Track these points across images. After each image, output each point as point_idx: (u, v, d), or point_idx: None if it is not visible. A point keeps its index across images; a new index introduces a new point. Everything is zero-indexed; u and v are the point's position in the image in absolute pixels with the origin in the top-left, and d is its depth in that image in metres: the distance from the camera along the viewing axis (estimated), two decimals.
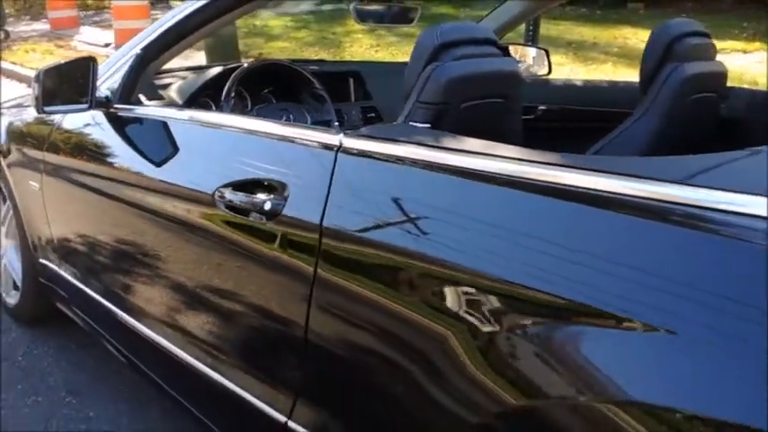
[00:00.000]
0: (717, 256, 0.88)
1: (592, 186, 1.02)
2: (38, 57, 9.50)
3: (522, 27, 5.31)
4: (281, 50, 9.75)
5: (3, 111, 2.81)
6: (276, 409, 1.48)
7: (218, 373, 1.65)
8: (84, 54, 2.61)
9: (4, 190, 2.77)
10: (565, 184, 1.05)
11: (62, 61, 2.10)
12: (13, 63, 9.45)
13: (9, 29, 11.58)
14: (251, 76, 2.29)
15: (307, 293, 1.34)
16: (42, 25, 12.97)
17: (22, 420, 2.27)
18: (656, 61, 1.99)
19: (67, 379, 2.51)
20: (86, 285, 2.23)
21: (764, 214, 0.85)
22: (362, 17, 2.37)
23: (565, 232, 1.03)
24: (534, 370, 0.98)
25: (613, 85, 3.00)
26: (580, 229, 1.02)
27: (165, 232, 1.81)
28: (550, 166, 1.09)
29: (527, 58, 3.33)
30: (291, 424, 1.44)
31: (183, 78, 2.43)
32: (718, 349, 0.83)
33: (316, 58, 7.89)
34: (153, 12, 10.85)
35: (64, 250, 2.35)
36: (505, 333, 1.03)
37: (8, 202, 2.75)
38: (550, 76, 2.94)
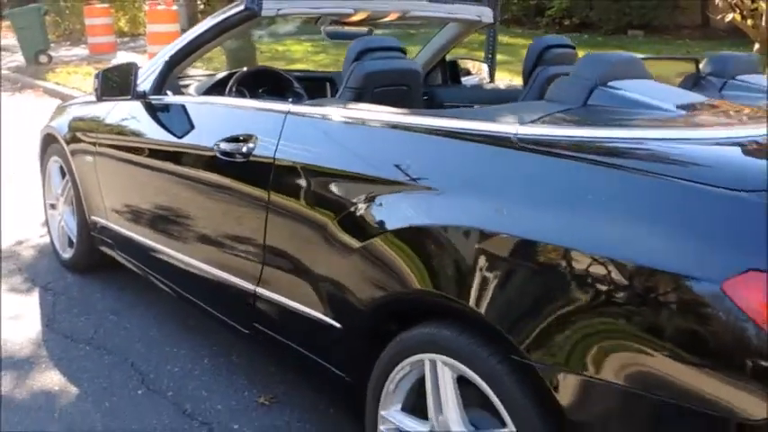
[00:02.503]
0: (457, 150, 1.70)
1: (424, 123, 1.85)
2: (79, 78, 10.53)
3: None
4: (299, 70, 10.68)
5: (67, 109, 3.70)
6: (250, 282, 2.31)
7: (214, 268, 2.49)
8: None
9: (64, 167, 3.63)
10: (411, 123, 1.88)
11: (114, 65, 2.97)
12: (57, 83, 10.50)
13: (51, 53, 12.66)
14: (248, 78, 3.14)
15: (266, 200, 2.18)
16: (82, 50, 14.09)
17: (80, 327, 3.11)
18: (531, 65, 2.79)
19: (110, 305, 3.35)
20: (127, 229, 3.08)
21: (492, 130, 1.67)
22: (332, 36, 3.21)
23: (400, 143, 1.85)
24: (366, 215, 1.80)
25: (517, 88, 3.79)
26: (407, 142, 1.85)
27: (183, 179, 2.65)
28: (417, 116, 1.91)
29: (481, 71, 4.18)
30: (259, 289, 2.27)
31: (199, 80, 3.30)
32: (449, 196, 1.64)
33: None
34: None
35: (110, 206, 3.21)
36: (363, 203, 1.85)
37: (67, 176, 3.62)
38: (484, 83, 3.76)
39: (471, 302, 1.56)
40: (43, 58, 12.16)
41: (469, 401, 1.68)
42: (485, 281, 1.54)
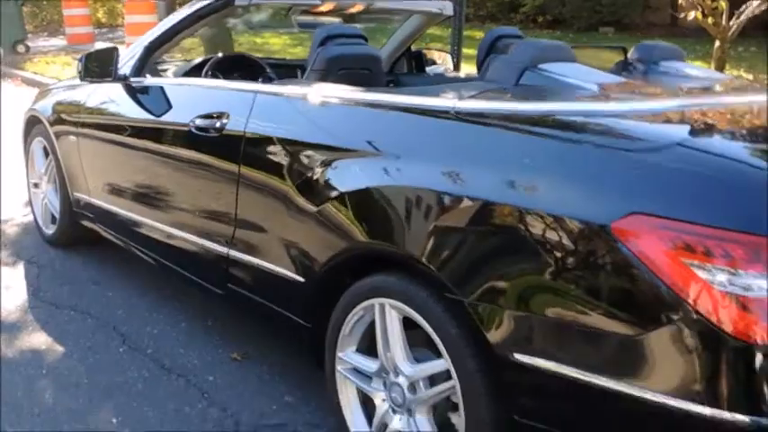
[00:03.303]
0: (405, 122, 1.95)
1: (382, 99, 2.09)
2: (57, 67, 10.65)
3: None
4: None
5: (51, 93, 3.90)
6: (224, 246, 2.54)
7: (191, 235, 2.72)
8: None
9: (48, 148, 3.84)
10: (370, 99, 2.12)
11: (97, 48, 3.19)
12: (35, 73, 10.61)
13: (29, 44, 12.74)
14: (224, 63, 3.36)
15: (237, 170, 2.41)
16: (60, 41, 14.16)
17: (64, 295, 3.33)
18: (483, 54, 3.04)
19: (92, 276, 3.57)
20: (108, 204, 3.30)
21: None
22: (302, 26, 3.44)
23: (354, 116, 2.10)
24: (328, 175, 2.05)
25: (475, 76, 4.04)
26: (361, 115, 2.09)
27: (161, 155, 2.87)
28: (370, 93, 2.15)
29: (446, 61, 4.44)
30: (232, 251, 2.51)
31: (177, 65, 3.52)
32: (395, 161, 1.89)
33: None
34: None
35: (92, 183, 3.42)
36: (320, 170, 2.09)
37: (50, 156, 3.82)
38: (446, 72, 4.01)
39: (411, 250, 1.82)
40: (21, 49, 12.24)
41: (415, 342, 1.94)
42: (422, 231, 1.79)
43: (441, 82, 3.74)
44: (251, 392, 2.55)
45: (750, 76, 8.55)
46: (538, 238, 1.58)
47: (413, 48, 4.04)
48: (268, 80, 2.96)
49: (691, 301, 1.40)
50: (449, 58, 4.47)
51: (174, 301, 3.27)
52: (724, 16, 8.36)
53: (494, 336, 1.66)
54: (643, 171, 1.52)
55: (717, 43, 8.53)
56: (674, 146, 1.56)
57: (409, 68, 4.04)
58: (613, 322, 1.49)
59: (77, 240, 3.84)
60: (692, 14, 8.51)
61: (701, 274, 1.39)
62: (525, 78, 2.09)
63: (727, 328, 1.37)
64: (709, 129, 1.72)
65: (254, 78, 3.38)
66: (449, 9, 3.55)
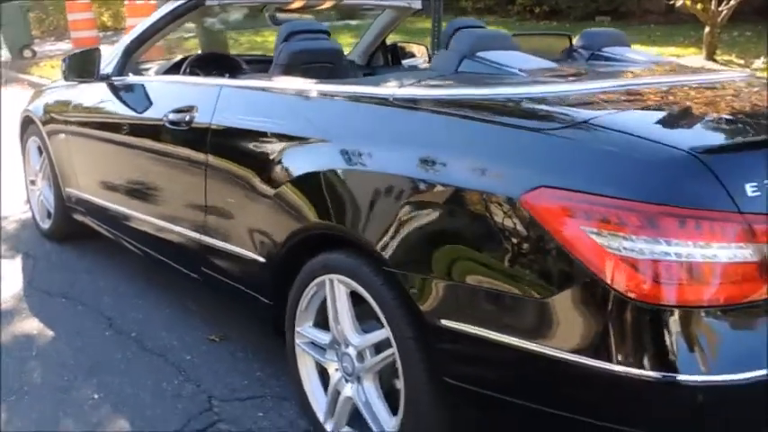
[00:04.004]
0: (350, 110, 2.10)
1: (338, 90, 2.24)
2: None
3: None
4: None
5: (43, 94, 4.08)
6: (196, 232, 2.70)
7: (168, 223, 2.88)
8: None
9: (41, 146, 4.02)
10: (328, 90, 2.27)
11: (79, 50, 3.36)
12: (41, 77, 10.85)
13: (36, 48, 12.99)
14: (202, 61, 3.52)
15: (204, 159, 2.57)
16: (66, 45, 14.40)
17: (57, 284, 3.51)
18: (445, 45, 3.18)
19: (84, 267, 3.75)
20: (96, 197, 3.47)
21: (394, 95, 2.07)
22: (276, 22, 3.60)
23: (307, 106, 2.25)
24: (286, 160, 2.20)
25: None
26: (313, 105, 2.24)
27: (139, 149, 3.03)
28: (321, 84, 2.30)
29: (423, 53, 4.57)
30: (204, 237, 2.67)
31: (159, 64, 3.69)
32: (341, 146, 2.04)
33: None
34: None
35: (81, 178, 3.59)
36: (277, 157, 2.24)
37: (44, 153, 4.00)
38: (420, 65, 4.15)
39: (353, 228, 1.97)
40: (27, 53, 12.49)
41: (367, 315, 2.08)
42: (361, 210, 1.95)
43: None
44: (225, 370, 2.72)
45: (741, 61, 8.61)
46: (458, 212, 1.73)
47: (388, 41, 4.18)
48: (235, 75, 3.11)
49: (590, 265, 1.53)
50: (425, 50, 4.60)
51: (160, 288, 3.43)
52: (713, 2, 8.44)
53: (424, 304, 1.80)
54: (551, 148, 1.66)
55: (707, 29, 8.62)
56: (581, 125, 1.70)
57: (385, 61, 4.18)
58: (525, 287, 1.63)
59: (72, 234, 4.02)
60: (680, 0, 8.61)
61: (599, 240, 1.53)
62: (464, 66, 2.24)
63: (622, 288, 1.51)
64: (617, 109, 1.85)
65: (231, 74, 3.55)
66: (417, 3, 3.69)
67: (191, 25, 10.71)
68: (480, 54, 2.24)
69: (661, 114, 1.84)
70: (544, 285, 1.61)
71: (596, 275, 1.53)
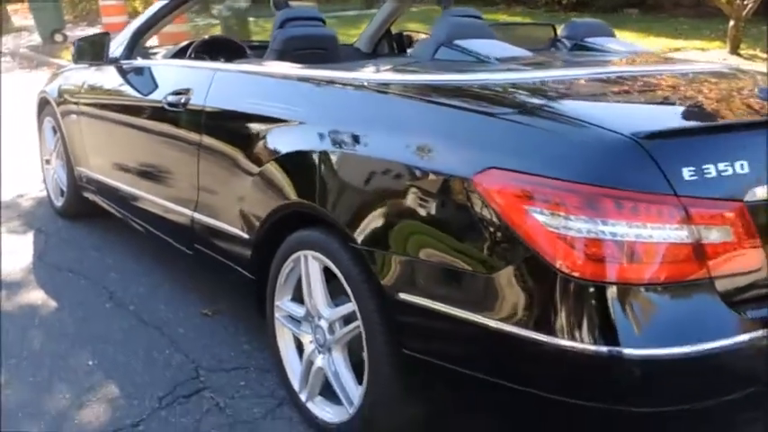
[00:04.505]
0: (329, 93, 2.19)
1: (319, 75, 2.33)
2: None
3: None
4: None
5: (59, 76, 4.24)
6: (190, 210, 2.82)
7: (166, 201, 3.00)
8: None
9: (56, 126, 4.17)
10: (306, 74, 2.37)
11: (89, 34, 3.49)
12: (69, 61, 11.09)
13: (68, 33, 13.25)
14: (208, 46, 3.63)
15: (198, 140, 2.68)
16: (97, 30, 14.67)
17: (66, 259, 3.66)
18: None
19: (94, 243, 3.90)
20: (103, 176, 3.61)
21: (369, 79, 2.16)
22: (278, 7, 3.68)
23: (290, 90, 2.35)
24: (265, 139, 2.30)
25: None
26: (295, 88, 2.34)
27: (142, 129, 3.16)
28: (305, 69, 2.39)
29: None
30: (196, 214, 2.78)
31: (168, 49, 3.81)
32: (317, 127, 2.14)
33: None
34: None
35: (91, 157, 3.74)
36: (262, 138, 2.34)
37: (58, 133, 4.16)
38: None
39: (324, 206, 2.06)
40: (58, 37, 12.74)
41: (338, 291, 2.18)
42: (331, 189, 2.04)
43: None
44: (215, 342, 2.83)
45: (765, 56, 8.51)
46: (415, 192, 1.81)
47: (393, 30, 4.25)
48: (231, 60, 3.22)
49: (532, 242, 1.61)
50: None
51: (163, 265, 3.56)
52: None
53: (384, 278, 1.89)
54: (503, 132, 1.74)
55: (731, 22, 8.54)
56: (533, 110, 1.77)
57: (390, 50, 4.25)
58: (474, 263, 1.71)
59: (84, 211, 4.16)
60: None
61: (541, 218, 1.60)
62: (440, 53, 2.31)
63: (562, 265, 1.58)
64: (573, 96, 1.92)
65: (227, 59, 3.66)
66: None
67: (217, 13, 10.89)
68: (457, 42, 2.31)
69: (613, 102, 1.90)
70: (491, 261, 1.69)
71: (538, 253, 1.60)
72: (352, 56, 3.84)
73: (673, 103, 1.94)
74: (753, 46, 9.00)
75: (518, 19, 12.87)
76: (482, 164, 1.70)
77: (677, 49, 9.17)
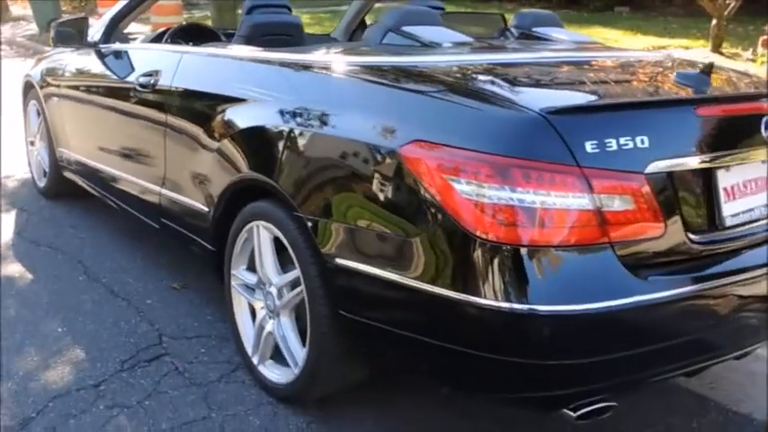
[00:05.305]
0: (280, 74, 2.33)
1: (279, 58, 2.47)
2: None
3: None
4: None
5: (42, 60, 4.38)
6: (157, 185, 2.96)
7: (136, 177, 3.15)
8: None
9: (39, 109, 4.31)
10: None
11: (68, 18, 3.62)
12: None
13: None
14: (184, 32, 3.76)
15: (164, 119, 2.83)
16: (94, 21, 14.77)
17: (45, 236, 3.80)
18: None
19: (72, 221, 4.04)
20: (80, 155, 3.75)
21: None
22: None
23: (246, 70, 2.48)
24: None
25: None
26: (250, 69, 2.47)
27: (115, 110, 3.30)
28: (262, 52, 2.53)
29: None
30: (163, 190, 2.93)
31: (145, 34, 3.95)
32: (269, 105, 2.28)
33: None
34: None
35: (70, 138, 3.88)
36: (220, 115, 2.48)
37: (41, 116, 4.30)
38: None
39: (272, 178, 2.20)
40: None
41: (288, 260, 2.32)
42: (279, 162, 2.18)
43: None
44: (180, 313, 2.98)
45: (746, 54, 8.65)
46: (350, 162, 1.96)
47: (367, 20, 4.39)
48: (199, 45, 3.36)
49: (449, 209, 1.75)
50: None
51: (138, 241, 3.70)
52: None
53: (323, 244, 2.04)
54: (428, 108, 1.89)
55: (714, 21, 8.67)
56: (458, 89, 1.91)
57: None
58: (401, 228, 1.85)
59: (65, 191, 4.30)
60: None
61: (457, 186, 1.74)
62: (388, 38, 2.46)
63: (474, 229, 1.72)
64: (497, 77, 2.06)
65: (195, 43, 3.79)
66: None
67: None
68: (404, 28, 2.45)
69: (534, 83, 2.05)
70: (416, 227, 1.83)
71: (456, 218, 1.74)
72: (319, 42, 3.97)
73: (588, 85, 2.08)
74: (735, 45, 9.13)
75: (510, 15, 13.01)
76: (408, 137, 1.84)
77: (662, 47, 9.32)
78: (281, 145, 2.19)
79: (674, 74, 2.11)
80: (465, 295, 1.75)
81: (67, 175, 4.07)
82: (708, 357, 1.94)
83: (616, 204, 1.73)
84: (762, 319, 1.99)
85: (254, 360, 2.45)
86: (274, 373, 2.37)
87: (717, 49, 8.74)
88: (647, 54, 2.72)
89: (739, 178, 1.96)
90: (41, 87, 4.19)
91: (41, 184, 4.47)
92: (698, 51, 8.92)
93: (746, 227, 1.97)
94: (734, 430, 2.33)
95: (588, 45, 2.88)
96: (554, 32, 2.88)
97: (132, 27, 6.76)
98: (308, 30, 5.49)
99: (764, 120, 1.95)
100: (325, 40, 4.16)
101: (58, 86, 3.93)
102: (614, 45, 9.07)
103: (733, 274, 1.88)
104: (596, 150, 1.71)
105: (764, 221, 2.03)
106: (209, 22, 10.94)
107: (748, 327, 1.99)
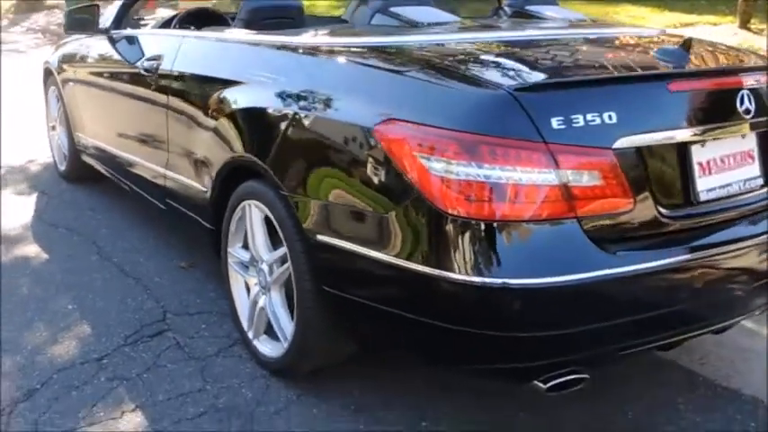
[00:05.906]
0: (269, 55, 2.39)
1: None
2: None
3: None
4: None
5: (61, 47, 4.50)
6: (162, 167, 3.05)
7: (144, 160, 3.24)
8: None
9: (58, 95, 4.43)
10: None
11: (80, 5, 3.73)
12: None
13: None
14: (193, 17, 3.83)
15: (167, 102, 2.91)
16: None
17: (63, 218, 3.93)
18: None
19: (91, 204, 4.17)
20: (95, 139, 3.86)
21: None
22: None
23: (240, 54, 2.55)
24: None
25: None
26: (244, 52, 2.54)
27: (125, 94, 3.39)
28: (254, 35, 2.59)
29: None
30: (167, 171, 3.01)
31: (156, 19, 4.03)
32: (262, 88, 2.34)
33: None
34: None
35: (86, 122, 3.99)
36: (218, 98, 2.55)
37: (59, 101, 4.42)
38: None
39: (261, 158, 2.26)
40: None
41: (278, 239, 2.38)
42: (267, 143, 2.24)
43: None
44: (186, 291, 3.07)
45: None
46: (329, 141, 2.01)
47: None
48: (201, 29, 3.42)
49: (420, 185, 1.79)
50: None
51: (150, 222, 3.81)
52: None
53: (305, 222, 2.10)
54: (402, 86, 1.93)
55: None
56: (432, 68, 1.95)
57: None
58: (375, 205, 1.90)
59: (85, 175, 4.42)
60: None
61: (426, 163, 1.78)
62: (376, 19, 2.49)
63: (443, 205, 1.75)
64: (472, 55, 2.09)
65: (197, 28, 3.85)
66: None
67: None
68: (392, 9, 2.49)
69: (509, 61, 2.06)
70: (389, 204, 1.87)
71: (426, 194, 1.78)
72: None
73: (564, 62, 2.09)
74: (764, 21, 8.92)
75: None
76: (383, 115, 1.88)
77: (689, 24, 9.13)
78: (267, 126, 2.25)
79: (656, 50, 2.12)
80: (439, 270, 1.79)
81: (85, 158, 4.19)
82: (681, 331, 1.96)
83: (584, 180, 1.75)
84: (739, 294, 2.00)
85: (250, 335, 2.52)
86: (267, 348, 2.44)
87: (745, 25, 8.54)
88: (639, 30, 2.71)
89: (716, 153, 1.97)
90: (59, 73, 4.31)
91: (62, 168, 4.61)
92: (726, 27, 8.73)
93: (723, 201, 1.98)
94: (722, 404, 2.34)
95: (579, 23, 2.88)
96: (547, 10, 2.88)
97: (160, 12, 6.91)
98: (333, 12, 5.58)
99: (741, 94, 1.95)
100: (333, 21, 4.18)
101: (74, 72, 4.04)
102: (638, 23, 8.94)
103: (706, 248, 1.89)
104: (563, 126, 1.73)
105: (744, 195, 2.03)
106: (231, 5, 11.05)
107: (725, 301, 2.00)
